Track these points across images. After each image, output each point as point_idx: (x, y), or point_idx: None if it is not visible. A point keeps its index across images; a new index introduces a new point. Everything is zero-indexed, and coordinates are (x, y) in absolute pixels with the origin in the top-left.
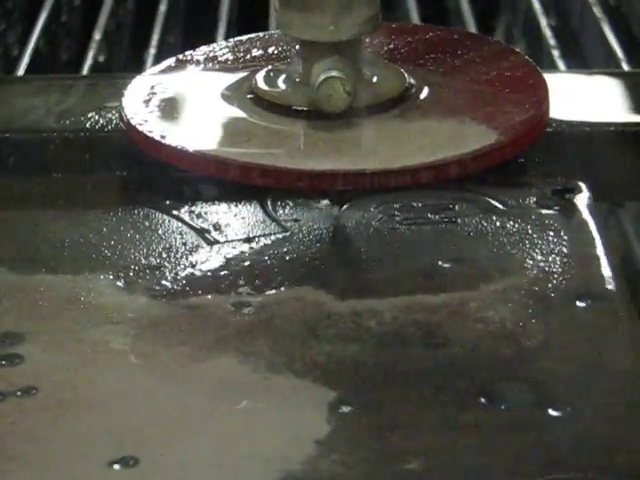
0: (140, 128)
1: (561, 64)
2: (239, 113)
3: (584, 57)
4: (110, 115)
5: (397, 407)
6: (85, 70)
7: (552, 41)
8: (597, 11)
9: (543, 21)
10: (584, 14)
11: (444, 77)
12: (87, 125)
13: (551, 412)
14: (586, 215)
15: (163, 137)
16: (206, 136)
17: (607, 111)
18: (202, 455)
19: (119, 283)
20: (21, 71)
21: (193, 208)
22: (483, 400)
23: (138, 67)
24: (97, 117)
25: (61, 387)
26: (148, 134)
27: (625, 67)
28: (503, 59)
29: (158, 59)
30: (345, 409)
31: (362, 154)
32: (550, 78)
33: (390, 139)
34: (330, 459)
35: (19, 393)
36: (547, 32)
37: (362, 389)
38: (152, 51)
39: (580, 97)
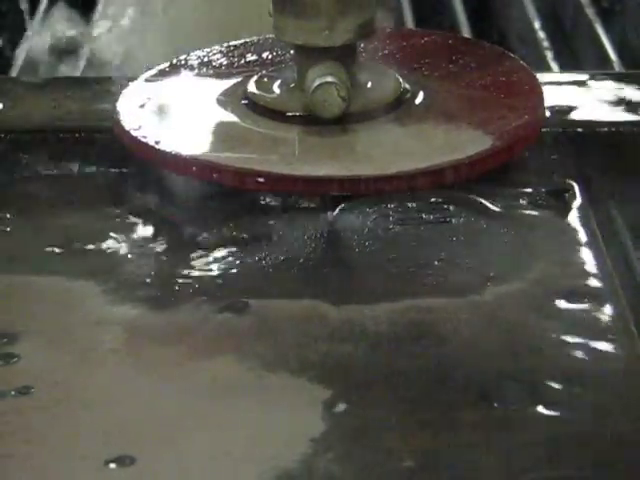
0: (134, 133)
1: (554, 65)
2: (233, 118)
3: (577, 58)
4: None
5: (392, 406)
6: (79, 71)
7: (545, 43)
8: (590, 12)
9: (537, 23)
10: (577, 15)
11: (439, 82)
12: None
13: (545, 410)
14: (580, 215)
15: (157, 142)
16: (200, 141)
17: (601, 111)
18: (198, 454)
19: (114, 283)
20: (14, 73)
21: (187, 210)
22: (478, 399)
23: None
24: (92, 119)
25: (57, 386)
26: (142, 139)
27: (617, 68)
28: (499, 64)
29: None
30: (340, 408)
31: (357, 159)
32: (543, 79)
33: (385, 144)
34: (325, 458)
35: (14, 393)
36: (540, 34)
37: (357, 388)
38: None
39: (573, 98)
